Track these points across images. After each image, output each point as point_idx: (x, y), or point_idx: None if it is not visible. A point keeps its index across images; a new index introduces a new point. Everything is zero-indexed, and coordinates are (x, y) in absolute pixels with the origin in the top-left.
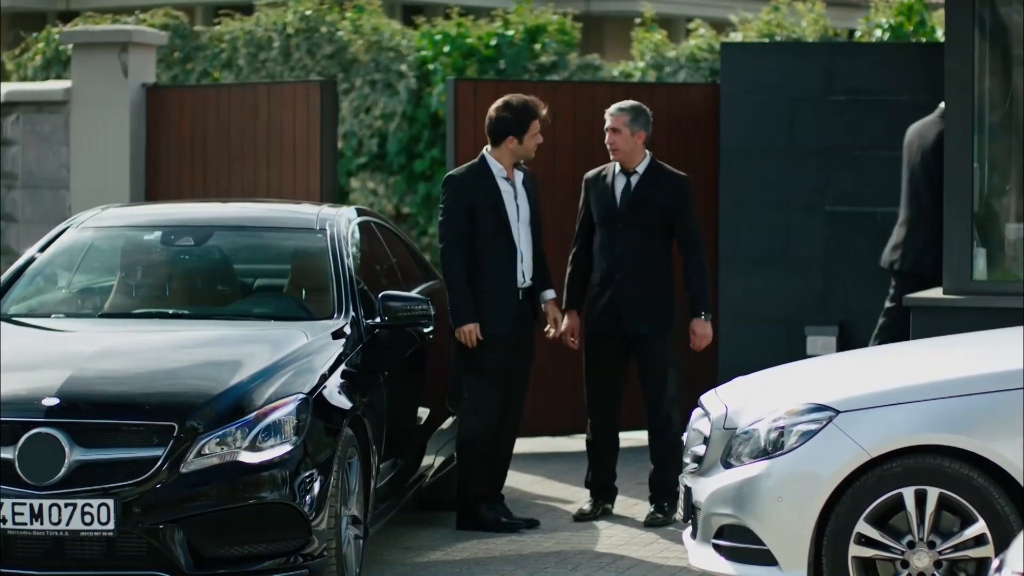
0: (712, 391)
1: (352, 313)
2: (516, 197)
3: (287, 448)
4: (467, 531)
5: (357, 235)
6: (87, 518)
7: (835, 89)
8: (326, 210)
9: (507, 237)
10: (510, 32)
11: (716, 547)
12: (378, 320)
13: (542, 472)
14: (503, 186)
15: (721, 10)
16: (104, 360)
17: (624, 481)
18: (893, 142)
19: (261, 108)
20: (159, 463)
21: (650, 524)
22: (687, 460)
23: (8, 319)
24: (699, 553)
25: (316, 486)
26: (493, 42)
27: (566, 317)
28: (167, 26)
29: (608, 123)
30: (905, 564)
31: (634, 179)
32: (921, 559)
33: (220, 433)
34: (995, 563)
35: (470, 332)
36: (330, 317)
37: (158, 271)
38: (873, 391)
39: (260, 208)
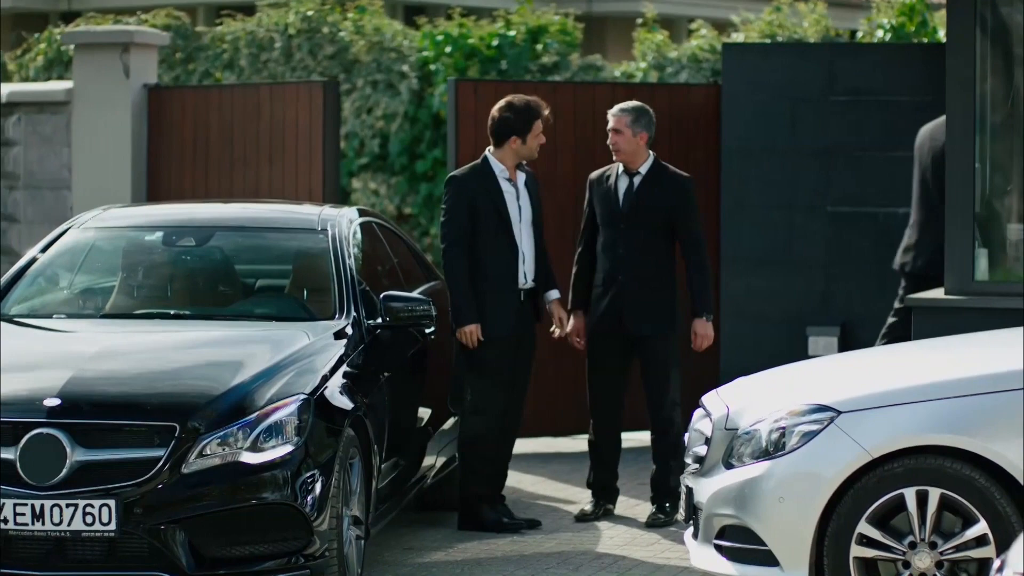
0: (714, 391)
1: (354, 313)
2: (518, 198)
3: (288, 449)
4: (469, 532)
5: (359, 236)
6: (88, 519)
7: (837, 89)
8: (328, 211)
9: (509, 238)
10: (512, 33)
11: (718, 548)
12: (380, 320)
13: (544, 472)
14: (505, 187)
15: (723, 11)
16: (105, 361)
17: (626, 481)
18: (895, 142)
19: (263, 109)
20: (160, 464)
21: (652, 525)
22: (689, 461)
23: (9, 319)
24: (701, 554)
25: (318, 487)
26: (495, 43)
27: (572, 317)
28: (169, 27)
29: (610, 124)
30: (907, 565)
31: (637, 180)
32: (922, 560)
33: (222, 434)
34: (996, 563)
35: (471, 333)
36: (331, 318)
37: (160, 272)
38: (875, 391)
39: (262, 209)
